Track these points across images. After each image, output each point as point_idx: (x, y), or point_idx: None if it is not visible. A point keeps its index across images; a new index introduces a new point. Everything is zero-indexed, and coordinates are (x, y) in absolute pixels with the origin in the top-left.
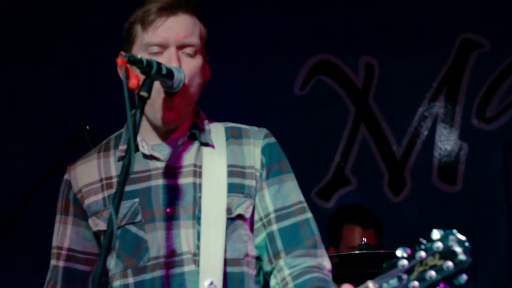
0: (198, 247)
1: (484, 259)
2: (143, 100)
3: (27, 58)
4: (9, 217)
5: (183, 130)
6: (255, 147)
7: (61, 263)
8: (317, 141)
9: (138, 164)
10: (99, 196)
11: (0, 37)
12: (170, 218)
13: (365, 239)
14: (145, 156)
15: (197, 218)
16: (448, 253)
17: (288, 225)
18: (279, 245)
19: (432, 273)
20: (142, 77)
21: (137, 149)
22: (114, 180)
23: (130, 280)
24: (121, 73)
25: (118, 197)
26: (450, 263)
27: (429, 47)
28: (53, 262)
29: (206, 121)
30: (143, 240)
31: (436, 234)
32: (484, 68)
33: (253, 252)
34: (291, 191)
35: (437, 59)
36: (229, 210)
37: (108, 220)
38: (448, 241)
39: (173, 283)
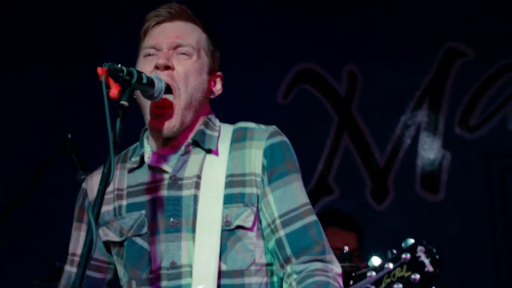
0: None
1: (467, 268)
2: (123, 109)
3: (10, 66)
4: None
5: (188, 137)
6: (257, 149)
7: (74, 269)
8: (300, 149)
9: (146, 176)
10: (111, 207)
11: None
12: (173, 230)
13: (346, 248)
14: (152, 167)
15: (194, 231)
16: (416, 264)
17: (296, 229)
18: (288, 250)
19: (399, 285)
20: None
21: (143, 161)
22: (125, 192)
23: None
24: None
25: (98, 206)
26: (417, 275)
27: (412, 55)
28: (67, 267)
29: (218, 127)
30: (147, 252)
31: (405, 243)
32: (467, 77)
33: (263, 259)
34: (297, 192)
35: (421, 68)
36: (227, 222)
37: (88, 229)
38: (416, 252)
39: None
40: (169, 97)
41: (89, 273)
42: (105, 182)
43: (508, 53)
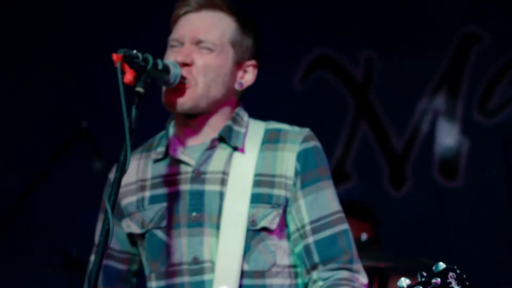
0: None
1: (485, 254)
2: (139, 96)
3: (24, 57)
4: (6, 215)
5: (215, 133)
6: (290, 153)
7: None
8: (317, 135)
9: (168, 168)
10: (134, 198)
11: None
12: (195, 225)
13: (365, 234)
14: (176, 160)
15: (219, 228)
16: None
17: (325, 236)
18: (316, 257)
19: None
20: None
21: (167, 153)
22: (148, 182)
23: (153, 284)
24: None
25: (114, 194)
26: None
27: (430, 40)
28: (92, 258)
29: (245, 122)
30: (167, 245)
31: (436, 267)
32: (485, 62)
33: (284, 261)
34: (329, 199)
35: (438, 53)
36: (253, 222)
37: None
38: (447, 277)
39: None
40: (184, 85)
41: (113, 264)
42: (121, 169)
43: None
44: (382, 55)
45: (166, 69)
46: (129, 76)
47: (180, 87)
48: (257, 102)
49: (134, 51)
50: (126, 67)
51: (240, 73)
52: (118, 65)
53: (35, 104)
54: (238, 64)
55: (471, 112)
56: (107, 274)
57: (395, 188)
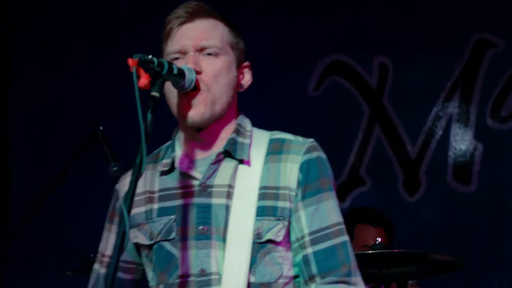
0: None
1: (498, 259)
2: (154, 100)
3: (44, 62)
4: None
5: (221, 145)
6: (293, 164)
7: (103, 270)
8: (331, 141)
9: (176, 180)
10: (142, 209)
11: (19, 41)
12: (203, 238)
13: (379, 239)
14: (182, 173)
15: (225, 241)
16: None
17: (324, 248)
18: (314, 269)
19: None
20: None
21: (174, 166)
22: (156, 195)
23: None
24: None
25: (130, 197)
26: None
27: (443, 47)
28: (96, 266)
29: (249, 132)
30: (175, 257)
31: None
32: (498, 68)
33: (291, 272)
34: (329, 211)
35: (451, 59)
36: (259, 235)
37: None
38: None
39: None
40: (198, 93)
41: (118, 274)
42: (137, 173)
43: None
44: (396, 61)
45: (181, 74)
46: (144, 81)
47: (194, 95)
48: (272, 108)
49: (150, 56)
50: (142, 72)
51: (240, 76)
52: (133, 69)
53: (53, 108)
54: (238, 67)
55: (484, 117)
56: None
57: (409, 193)
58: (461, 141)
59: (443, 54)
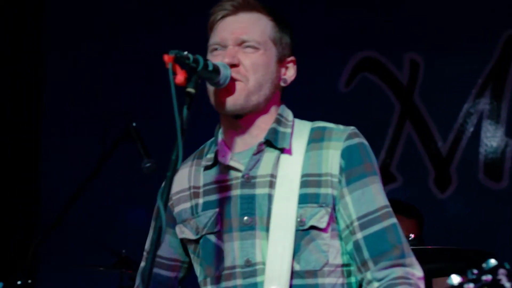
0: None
1: None
2: (190, 96)
3: (78, 58)
4: (59, 213)
5: (261, 136)
6: (334, 150)
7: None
8: None
9: (219, 174)
10: (188, 205)
11: (51, 34)
12: (247, 228)
13: (412, 235)
14: (225, 166)
15: (269, 230)
16: (496, 287)
17: (374, 232)
18: (366, 254)
19: None
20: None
21: (216, 159)
22: (201, 190)
23: None
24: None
25: (166, 192)
26: None
27: (474, 43)
28: (141, 264)
29: (290, 122)
30: (221, 249)
31: (487, 264)
32: None
33: (337, 260)
34: (376, 194)
35: (483, 55)
36: (302, 222)
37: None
38: (497, 274)
39: None
40: (234, 83)
41: (161, 272)
42: (173, 169)
43: None
44: (427, 58)
45: (216, 70)
46: (180, 77)
47: (231, 86)
48: (302, 105)
49: (185, 52)
50: (178, 68)
51: (283, 70)
52: (169, 66)
53: (86, 103)
54: (281, 61)
55: None
56: (155, 282)
57: (440, 190)
58: (492, 138)
59: (474, 50)
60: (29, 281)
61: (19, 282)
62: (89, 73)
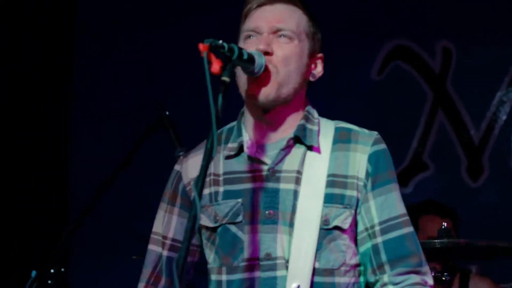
0: (290, 254)
1: None
2: (225, 85)
3: (109, 43)
4: (91, 203)
5: (289, 131)
6: (362, 154)
7: (165, 252)
8: (394, 126)
9: (244, 164)
10: (206, 191)
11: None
12: (269, 222)
13: (445, 224)
14: (250, 157)
15: (292, 226)
16: None
17: (394, 237)
18: (383, 257)
19: None
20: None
21: (242, 150)
22: (221, 178)
23: (224, 277)
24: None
25: (201, 182)
26: None
27: (507, 30)
28: (153, 247)
29: (317, 120)
30: (241, 240)
31: None
32: None
33: (353, 261)
34: (397, 201)
35: None
36: (326, 221)
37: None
38: None
39: (264, 286)
40: (267, 74)
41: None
42: (208, 157)
43: None
44: (459, 46)
45: (251, 59)
46: (216, 66)
47: (263, 76)
48: (335, 93)
49: (220, 41)
50: (212, 57)
51: (312, 65)
52: (204, 55)
53: (118, 91)
54: (311, 56)
55: None
56: (170, 266)
57: (472, 179)
58: None
59: (507, 38)
60: (62, 269)
61: (52, 270)
62: (121, 59)
